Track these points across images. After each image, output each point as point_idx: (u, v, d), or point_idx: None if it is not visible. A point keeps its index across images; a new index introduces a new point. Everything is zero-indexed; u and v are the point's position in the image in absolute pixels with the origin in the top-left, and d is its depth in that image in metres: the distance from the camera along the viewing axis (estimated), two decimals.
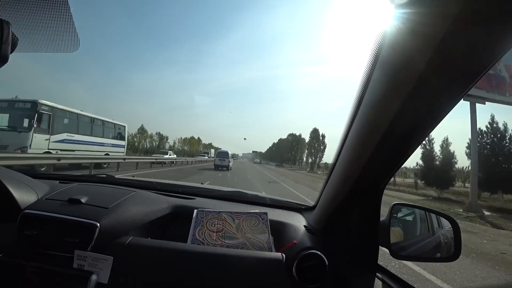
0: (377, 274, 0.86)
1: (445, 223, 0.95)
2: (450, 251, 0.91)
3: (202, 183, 1.82)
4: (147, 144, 65.24)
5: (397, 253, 0.91)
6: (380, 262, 0.93)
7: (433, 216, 0.99)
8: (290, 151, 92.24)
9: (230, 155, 24.01)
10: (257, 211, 1.07)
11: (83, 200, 0.99)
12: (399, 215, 1.01)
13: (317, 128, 77.51)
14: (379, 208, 0.88)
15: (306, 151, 78.56)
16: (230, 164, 23.21)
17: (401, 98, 0.53)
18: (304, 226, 1.07)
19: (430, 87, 0.50)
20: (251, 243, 0.98)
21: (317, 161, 72.66)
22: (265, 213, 1.05)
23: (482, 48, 0.43)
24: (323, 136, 74.68)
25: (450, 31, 0.40)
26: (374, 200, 0.87)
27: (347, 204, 0.88)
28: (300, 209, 1.29)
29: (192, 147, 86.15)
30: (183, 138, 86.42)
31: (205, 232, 1.02)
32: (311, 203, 1.23)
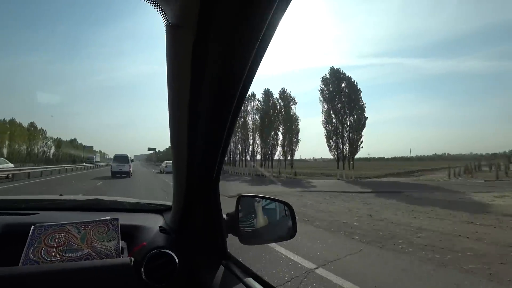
0: (223, 262, 0.95)
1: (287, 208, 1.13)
2: (290, 231, 1.09)
3: (61, 194, 1.58)
4: None
5: (247, 239, 1.03)
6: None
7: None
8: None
9: (130, 159, 21.52)
10: (108, 217, 1.01)
11: None
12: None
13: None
14: (218, 199, 0.96)
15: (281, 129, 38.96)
16: (131, 169, 20.83)
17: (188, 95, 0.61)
18: (160, 226, 1.07)
19: (210, 79, 0.59)
20: (96, 252, 0.92)
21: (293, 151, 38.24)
22: (116, 219, 1.00)
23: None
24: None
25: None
26: (212, 192, 0.94)
27: (191, 199, 0.93)
28: (161, 210, 1.29)
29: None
30: None
31: (41, 250, 0.89)
32: None
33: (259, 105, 40.81)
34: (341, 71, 36.37)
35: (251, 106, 40.90)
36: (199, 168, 0.83)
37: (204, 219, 0.97)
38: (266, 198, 1.09)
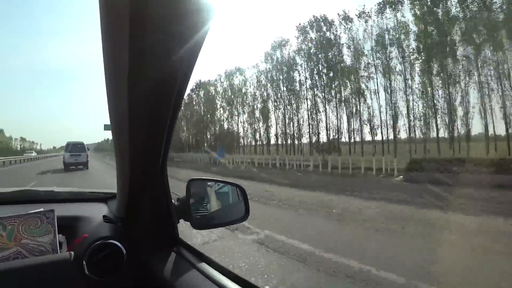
0: (175, 248, 0.92)
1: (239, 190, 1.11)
2: (243, 213, 1.08)
3: None
4: None
5: (199, 223, 1.00)
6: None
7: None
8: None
9: (86, 148, 17.89)
10: (42, 209, 0.91)
11: None
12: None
13: None
14: (167, 184, 0.92)
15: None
16: (88, 159, 17.43)
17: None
18: (104, 216, 1.00)
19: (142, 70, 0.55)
20: (28, 250, 0.83)
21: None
22: (51, 211, 0.90)
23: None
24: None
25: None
26: (160, 179, 0.89)
27: (137, 185, 0.87)
28: (105, 198, 1.20)
29: None
30: None
31: None
32: None
33: None
34: None
35: None
36: (144, 153, 0.78)
37: (153, 205, 0.92)
38: (217, 181, 1.07)
